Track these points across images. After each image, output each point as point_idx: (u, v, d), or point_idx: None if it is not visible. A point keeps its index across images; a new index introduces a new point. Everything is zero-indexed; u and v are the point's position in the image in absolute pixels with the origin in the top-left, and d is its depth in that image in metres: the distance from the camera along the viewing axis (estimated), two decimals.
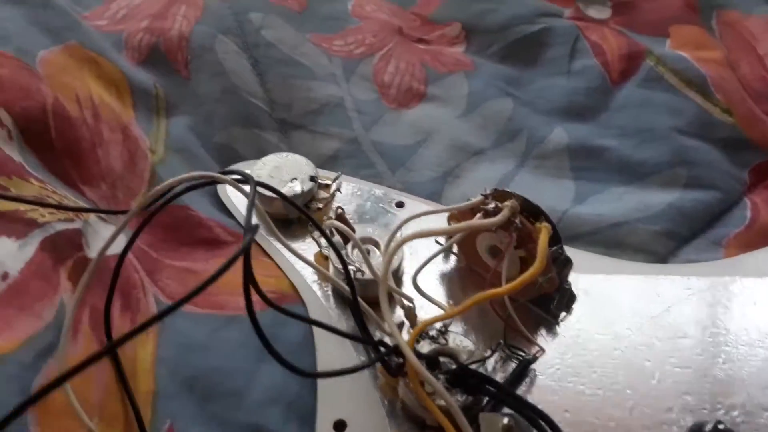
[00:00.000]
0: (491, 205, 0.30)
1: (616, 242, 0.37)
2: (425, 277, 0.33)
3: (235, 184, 0.27)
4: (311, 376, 0.29)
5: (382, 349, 0.28)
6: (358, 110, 0.43)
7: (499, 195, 0.31)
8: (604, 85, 0.44)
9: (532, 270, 0.28)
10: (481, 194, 0.31)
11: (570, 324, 0.32)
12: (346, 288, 0.29)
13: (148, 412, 0.29)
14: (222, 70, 0.41)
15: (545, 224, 0.29)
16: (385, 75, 0.45)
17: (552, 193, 0.39)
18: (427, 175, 0.40)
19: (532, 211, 0.30)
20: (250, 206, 0.23)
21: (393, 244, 0.29)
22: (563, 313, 0.33)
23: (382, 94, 0.45)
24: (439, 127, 0.43)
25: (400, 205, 0.38)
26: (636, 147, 0.41)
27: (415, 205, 0.38)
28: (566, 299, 0.33)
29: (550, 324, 0.32)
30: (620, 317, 0.32)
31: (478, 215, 0.30)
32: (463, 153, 0.42)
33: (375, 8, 0.50)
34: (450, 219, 0.34)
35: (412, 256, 0.34)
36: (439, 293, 0.34)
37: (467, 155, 0.42)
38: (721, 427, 0.26)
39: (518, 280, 0.27)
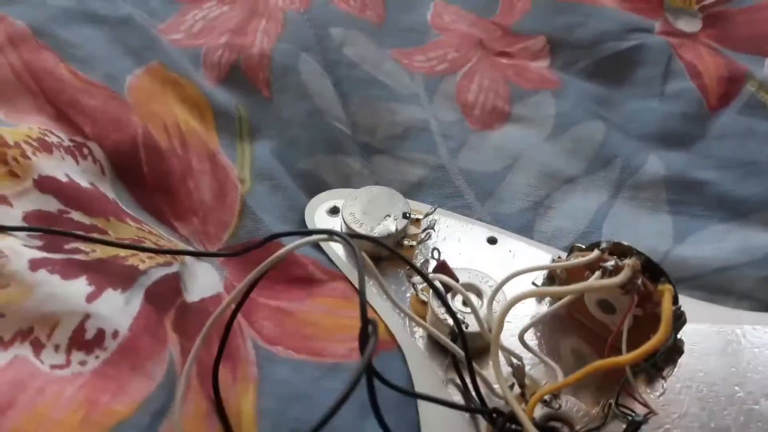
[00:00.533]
0: (611, 263, 0.29)
1: (720, 288, 0.35)
2: (515, 319, 0.32)
3: (347, 240, 0.26)
4: None
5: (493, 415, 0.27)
6: (443, 134, 0.41)
7: (616, 248, 0.30)
8: (702, 111, 0.42)
9: (658, 338, 0.26)
10: (598, 249, 0.30)
11: (677, 379, 0.31)
12: (460, 351, 0.28)
13: None
14: (306, 93, 0.40)
15: (668, 287, 0.28)
16: (469, 94, 0.44)
17: (649, 229, 0.38)
18: (517, 206, 0.39)
19: (651, 269, 0.29)
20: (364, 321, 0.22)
21: (505, 305, 0.28)
22: (669, 368, 0.32)
23: (466, 114, 0.43)
24: (526, 151, 0.41)
25: (492, 241, 0.37)
26: (738, 182, 0.39)
27: (508, 241, 0.37)
28: (674, 353, 0.32)
29: (656, 378, 0.31)
30: (730, 373, 0.31)
31: (597, 273, 0.29)
32: (554, 181, 0.40)
33: (454, 18, 0.48)
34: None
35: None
36: (530, 338, 0.33)
37: (558, 183, 0.40)
38: None
39: (643, 349, 0.26)
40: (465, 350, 0.28)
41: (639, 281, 0.28)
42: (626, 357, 0.27)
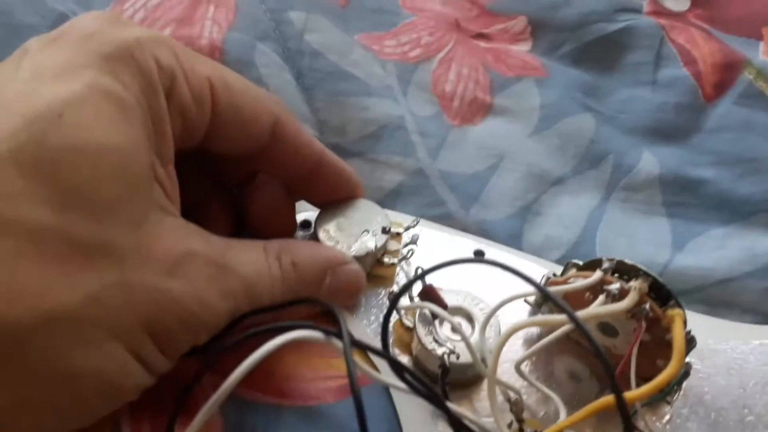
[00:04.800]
0: (615, 286, 0.28)
1: (723, 301, 0.35)
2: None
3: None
4: None
5: None
6: (420, 132, 0.40)
7: (619, 266, 0.29)
8: (697, 101, 0.42)
9: (670, 372, 0.26)
10: (600, 269, 0.29)
11: (683, 404, 0.31)
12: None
13: None
14: (265, 89, 0.37)
15: (678, 311, 0.27)
16: (447, 84, 0.42)
17: (646, 237, 0.37)
18: (505, 212, 0.38)
19: (658, 291, 0.28)
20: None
21: (502, 337, 0.27)
22: (676, 393, 0.31)
23: (444, 107, 0.41)
24: (511, 148, 0.40)
25: (479, 254, 0.36)
26: (737, 180, 0.39)
27: (496, 255, 0.35)
28: (681, 376, 0.31)
29: (660, 403, 0.31)
30: (738, 394, 0.31)
31: (601, 298, 0.28)
32: (542, 182, 0.39)
33: None
34: (551, 283, 0.32)
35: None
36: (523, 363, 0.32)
37: (546, 185, 0.39)
38: None
39: (654, 384, 0.25)
40: (443, 391, 0.27)
41: (647, 306, 0.28)
42: (636, 392, 0.26)
